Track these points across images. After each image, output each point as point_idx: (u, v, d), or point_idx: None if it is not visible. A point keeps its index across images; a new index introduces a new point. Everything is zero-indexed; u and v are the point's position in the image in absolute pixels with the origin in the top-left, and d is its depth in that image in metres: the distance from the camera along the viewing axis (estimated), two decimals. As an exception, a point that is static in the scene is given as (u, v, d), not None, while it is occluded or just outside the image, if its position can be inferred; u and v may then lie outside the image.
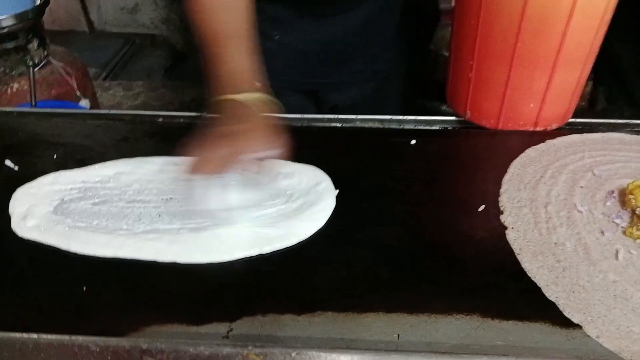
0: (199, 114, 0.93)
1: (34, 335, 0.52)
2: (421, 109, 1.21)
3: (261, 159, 0.67)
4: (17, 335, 0.52)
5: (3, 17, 1.50)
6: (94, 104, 1.76)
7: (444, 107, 1.49)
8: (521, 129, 0.85)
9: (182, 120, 0.93)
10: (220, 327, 0.57)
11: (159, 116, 0.93)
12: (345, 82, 1.06)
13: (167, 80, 2.97)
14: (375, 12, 0.99)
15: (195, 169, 0.65)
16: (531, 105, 0.83)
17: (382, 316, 0.58)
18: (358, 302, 0.60)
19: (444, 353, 0.54)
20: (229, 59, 0.76)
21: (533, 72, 0.79)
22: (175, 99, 2.59)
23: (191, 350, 0.49)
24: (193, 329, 0.57)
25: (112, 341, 0.50)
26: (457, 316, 0.58)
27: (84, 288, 0.61)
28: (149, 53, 3.27)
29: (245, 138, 0.67)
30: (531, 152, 0.80)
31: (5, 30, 1.54)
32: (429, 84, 1.32)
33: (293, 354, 0.50)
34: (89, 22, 3.19)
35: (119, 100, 2.57)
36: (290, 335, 0.56)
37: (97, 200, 0.73)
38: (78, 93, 1.65)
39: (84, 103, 1.65)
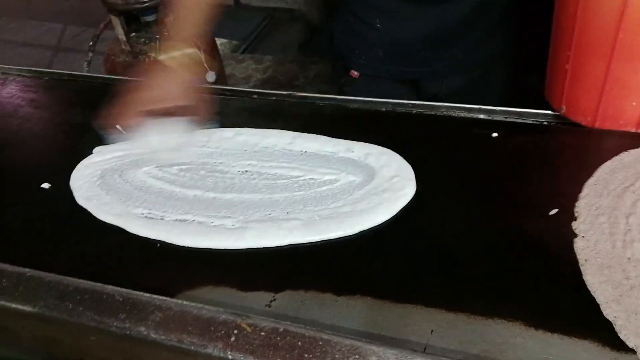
0: (290, 92, 0.97)
1: (74, 280, 0.61)
2: (527, 97, 1.14)
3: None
4: (62, 277, 0.62)
5: (145, -8, 1.66)
6: (222, 77, 1.89)
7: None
8: (620, 129, 0.78)
9: (274, 98, 0.97)
10: (265, 296, 0.61)
11: (253, 93, 0.99)
12: (447, 71, 1.03)
13: (300, 54, 3.07)
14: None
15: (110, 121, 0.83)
16: (633, 103, 0.75)
17: (420, 309, 0.58)
18: (400, 291, 0.60)
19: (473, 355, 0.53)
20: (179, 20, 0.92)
21: (636, 66, 0.72)
22: (300, 74, 2.68)
23: (194, 312, 0.55)
24: (241, 293, 0.62)
25: (133, 295, 0.58)
26: (498, 320, 0.56)
27: (158, 244, 0.69)
28: (287, 27, 3.40)
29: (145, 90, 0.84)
30: (625, 157, 0.73)
31: (147, 4, 1.70)
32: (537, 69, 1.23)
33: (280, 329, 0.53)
34: (236, -4, 3.38)
35: (249, 73, 2.71)
36: (327, 315, 0.59)
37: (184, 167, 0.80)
38: (205, 65, 1.78)
39: (210, 75, 1.78)
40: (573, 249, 0.63)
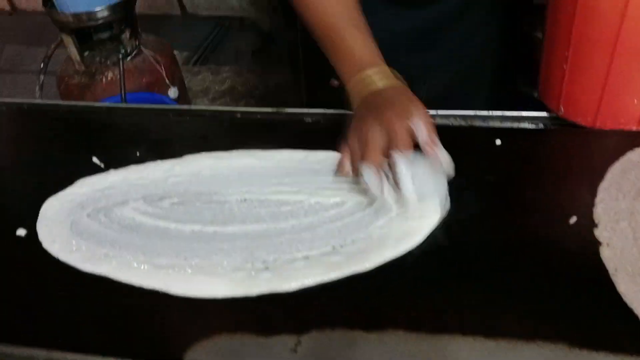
0: (275, 109, 0.92)
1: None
2: (513, 95, 1.13)
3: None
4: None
5: (99, 8, 1.58)
6: (182, 91, 1.81)
7: (536, 94, 1.39)
8: (622, 127, 0.77)
9: (259, 116, 0.92)
10: (289, 340, 0.56)
11: (237, 112, 0.93)
12: (432, 71, 1.00)
13: (255, 63, 3.01)
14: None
15: (362, 158, 0.67)
16: (635, 101, 0.74)
17: (458, 338, 0.55)
18: (431, 320, 0.57)
19: (523, 384, 0.50)
20: (349, 48, 0.79)
21: (638, 63, 0.71)
22: (260, 83, 2.63)
23: None
24: (262, 339, 0.57)
25: None
26: (541, 343, 0.54)
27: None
28: (238, 36, 3.33)
29: (392, 108, 0.69)
30: (633, 156, 0.72)
31: (100, 22, 1.61)
32: (523, 66, 1.23)
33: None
34: (182, 6, 3.29)
35: (207, 85, 2.64)
36: (359, 354, 0.54)
37: (176, 200, 0.74)
38: (167, 81, 1.70)
39: (172, 91, 1.71)
40: (601, 259, 0.61)
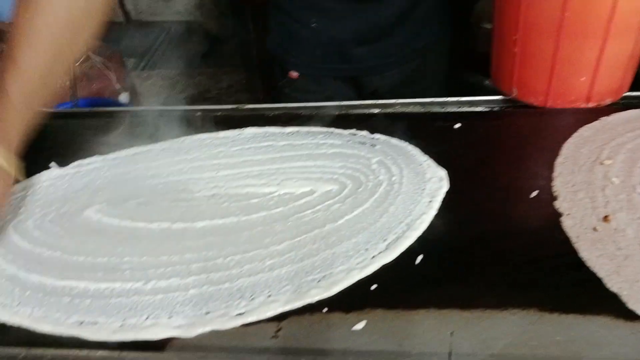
0: (235, 105, 0.92)
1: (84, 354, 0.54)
2: (464, 86, 1.17)
3: None
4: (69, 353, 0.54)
5: None
6: (134, 97, 1.78)
7: (487, 82, 1.44)
8: (572, 106, 0.81)
9: (219, 113, 0.92)
10: (269, 327, 0.57)
11: (197, 110, 0.93)
12: (385, 64, 1.03)
13: (204, 66, 2.98)
14: None
15: None
16: (582, 79, 0.78)
17: (434, 312, 0.56)
18: (406, 298, 0.58)
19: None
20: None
21: (583, 43, 0.75)
22: (212, 86, 2.60)
23: None
24: (242, 329, 0.57)
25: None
26: (513, 311, 0.56)
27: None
28: (185, 40, 3.29)
29: None
30: (585, 131, 0.76)
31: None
32: (471, 57, 1.27)
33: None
34: (125, 13, 3.22)
35: (158, 90, 2.59)
36: (339, 336, 0.55)
37: (142, 200, 0.73)
38: (117, 87, 1.67)
39: (123, 96, 1.67)
40: (562, 228, 0.64)
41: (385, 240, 0.63)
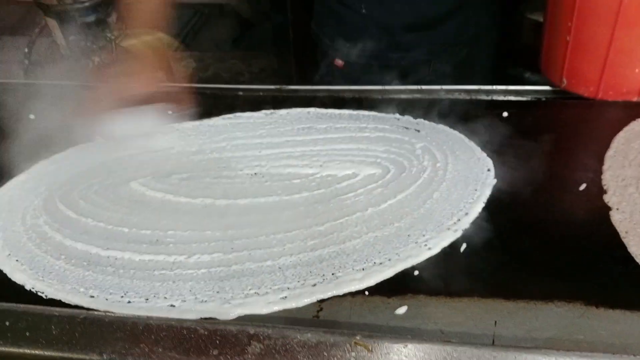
0: (278, 86, 0.92)
1: (144, 316, 0.53)
2: (505, 77, 1.15)
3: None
4: (129, 315, 0.54)
5: (83, -9, 1.54)
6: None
7: (527, 75, 1.41)
8: (624, 98, 0.78)
9: (261, 93, 0.92)
10: (310, 308, 0.57)
11: (239, 89, 0.93)
12: (434, 52, 1.01)
13: (236, 49, 2.98)
14: None
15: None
16: (637, 70, 0.76)
17: (477, 301, 0.56)
18: (449, 285, 0.58)
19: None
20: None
21: (640, 32, 0.72)
22: (244, 69, 2.60)
23: (298, 337, 0.49)
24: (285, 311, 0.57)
25: (220, 325, 0.51)
26: (558, 303, 0.55)
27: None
28: (218, 23, 3.29)
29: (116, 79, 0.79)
30: (636, 126, 0.74)
31: (86, 4, 1.58)
32: (514, 49, 1.25)
33: (402, 347, 0.48)
34: (161, -7, 3.24)
35: (191, 71, 2.61)
36: (380, 320, 0.55)
37: (185, 175, 0.74)
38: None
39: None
40: (611, 222, 0.62)
41: (428, 230, 0.63)
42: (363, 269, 0.58)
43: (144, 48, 0.82)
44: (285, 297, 0.56)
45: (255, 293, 0.56)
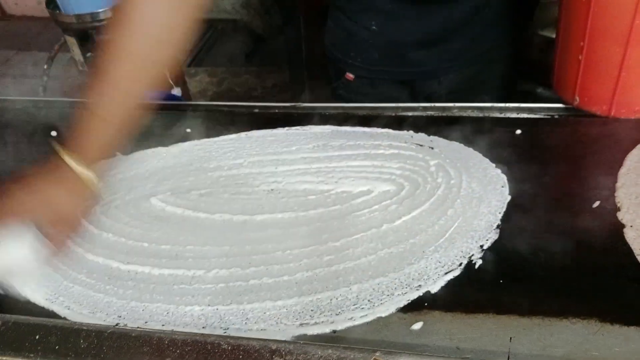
0: (293, 103, 0.94)
1: (169, 330, 0.55)
2: (517, 93, 1.16)
3: None
4: (155, 330, 0.55)
5: (102, 9, 1.59)
6: (184, 91, 1.82)
7: (539, 90, 1.42)
8: (637, 116, 0.79)
9: (277, 110, 0.94)
10: (325, 327, 0.58)
11: (254, 107, 0.95)
12: (444, 68, 1.02)
13: (249, 64, 3.02)
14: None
15: None
16: (650, 90, 0.77)
17: (492, 317, 0.57)
18: (465, 302, 0.58)
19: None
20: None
21: (654, 53, 0.73)
22: (257, 84, 2.63)
23: (319, 352, 0.49)
24: (301, 329, 0.58)
25: (243, 340, 0.52)
26: (573, 320, 0.55)
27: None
28: (231, 38, 3.33)
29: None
30: (650, 143, 0.75)
31: (103, 22, 1.62)
32: (525, 64, 1.26)
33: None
34: (174, 9, 3.28)
35: (204, 86, 2.64)
36: (396, 336, 0.56)
37: (204, 191, 0.75)
38: (170, 81, 1.71)
39: (176, 91, 1.72)
40: (625, 240, 0.63)
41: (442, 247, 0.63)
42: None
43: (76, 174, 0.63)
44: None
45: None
